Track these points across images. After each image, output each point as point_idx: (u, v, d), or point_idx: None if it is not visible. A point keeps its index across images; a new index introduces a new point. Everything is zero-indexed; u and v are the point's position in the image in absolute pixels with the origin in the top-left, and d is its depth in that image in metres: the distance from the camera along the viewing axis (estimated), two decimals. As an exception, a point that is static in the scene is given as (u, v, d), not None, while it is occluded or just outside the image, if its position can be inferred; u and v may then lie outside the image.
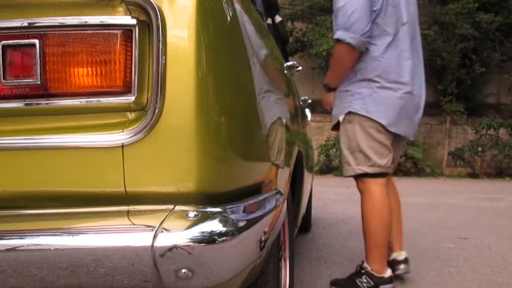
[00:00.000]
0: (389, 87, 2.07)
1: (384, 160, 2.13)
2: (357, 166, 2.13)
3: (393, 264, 2.27)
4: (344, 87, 2.17)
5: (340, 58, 2.08)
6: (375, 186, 2.13)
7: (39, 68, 0.77)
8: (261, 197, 0.98)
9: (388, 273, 2.16)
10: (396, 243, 2.31)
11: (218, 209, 0.77)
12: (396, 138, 2.19)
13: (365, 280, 2.15)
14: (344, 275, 2.31)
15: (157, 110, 0.76)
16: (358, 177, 2.17)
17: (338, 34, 2.02)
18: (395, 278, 2.24)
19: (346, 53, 2.04)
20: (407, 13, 2.13)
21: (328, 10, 13.83)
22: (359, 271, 2.20)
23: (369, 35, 2.02)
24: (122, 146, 0.77)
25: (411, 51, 2.13)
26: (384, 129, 2.10)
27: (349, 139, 2.15)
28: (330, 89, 2.25)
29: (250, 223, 0.82)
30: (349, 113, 2.13)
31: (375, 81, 2.07)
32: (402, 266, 2.27)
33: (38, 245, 0.72)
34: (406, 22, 2.11)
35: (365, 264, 2.19)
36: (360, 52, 2.04)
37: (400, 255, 2.28)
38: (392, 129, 2.10)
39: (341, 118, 2.16)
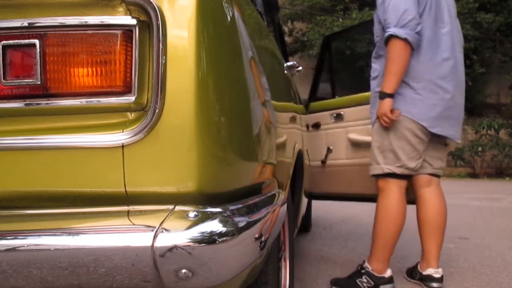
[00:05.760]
0: (430, 89, 2.07)
1: (413, 163, 2.12)
2: (385, 165, 2.13)
3: (426, 279, 2.21)
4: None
5: (397, 54, 2.00)
6: (395, 187, 2.13)
7: (39, 68, 0.77)
8: (261, 197, 0.98)
9: (388, 273, 2.16)
10: (433, 258, 2.23)
11: (218, 209, 0.77)
12: (433, 139, 2.17)
13: (365, 280, 2.15)
14: (344, 275, 2.31)
15: (157, 110, 0.76)
16: (382, 176, 2.16)
17: (393, 31, 1.99)
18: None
19: (402, 49, 1.99)
20: (449, 17, 2.13)
21: (328, 10, 13.84)
22: (359, 271, 2.20)
23: (420, 33, 2.01)
24: (122, 146, 0.77)
25: (451, 55, 2.12)
26: (421, 132, 2.09)
27: (381, 137, 2.14)
28: (387, 96, 2.04)
29: (250, 223, 0.82)
30: None
31: (416, 82, 2.06)
32: (435, 285, 2.19)
33: (38, 245, 0.72)
34: (447, 25, 2.11)
35: (366, 264, 2.19)
36: (413, 50, 2.01)
37: (437, 272, 2.21)
38: (435, 130, 2.10)
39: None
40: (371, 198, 2.43)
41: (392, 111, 2.05)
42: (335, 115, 2.94)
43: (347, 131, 2.84)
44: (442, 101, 2.09)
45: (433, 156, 2.24)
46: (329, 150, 2.97)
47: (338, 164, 2.93)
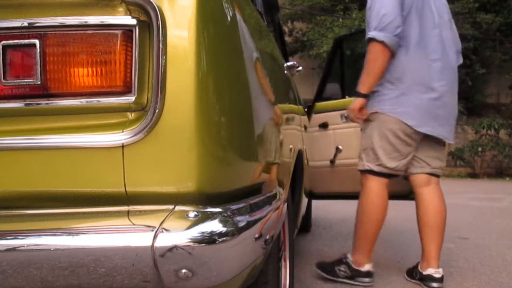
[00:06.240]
0: (416, 89, 2.10)
1: (393, 163, 2.17)
2: (366, 162, 2.22)
3: (426, 279, 2.21)
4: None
5: (374, 57, 2.08)
6: (375, 183, 2.20)
7: (39, 68, 0.77)
8: (261, 197, 0.98)
9: (366, 267, 2.22)
10: (433, 258, 2.23)
11: (218, 209, 0.77)
12: (429, 140, 2.20)
13: (343, 269, 2.26)
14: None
15: (157, 110, 0.76)
16: (363, 173, 2.25)
17: (372, 34, 2.06)
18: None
19: (380, 51, 2.05)
20: (439, 19, 2.16)
21: (328, 10, 13.84)
22: (342, 259, 2.30)
23: (401, 36, 2.06)
24: (122, 146, 0.77)
25: (441, 56, 2.15)
26: (403, 133, 2.12)
27: (366, 136, 2.23)
28: (361, 95, 2.16)
29: (250, 223, 0.82)
30: (373, 112, 2.18)
31: (401, 82, 2.11)
32: (435, 285, 2.19)
33: (38, 245, 0.72)
34: (436, 27, 2.15)
35: (349, 254, 2.28)
36: (392, 52, 2.06)
37: (437, 272, 2.20)
38: (422, 130, 2.13)
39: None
40: (391, 196, 2.49)
41: (361, 110, 2.16)
42: (346, 115, 2.96)
43: (358, 131, 2.87)
44: (429, 101, 2.12)
45: (431, 156, 2.26)
46: (338, 150, 2.98)
47: (349, 163, 2.95)
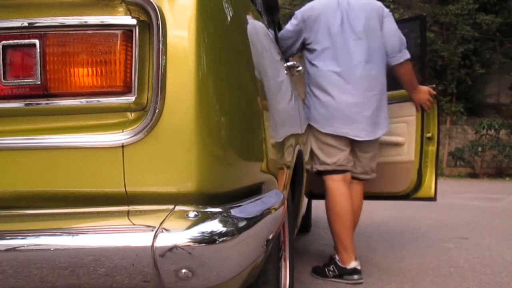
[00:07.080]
0: (319, 95, 2.34)
1: (332, 158, 2.36)
2: (314, 165, 2.44)
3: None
4: None
5: None
6: (330, 182, 2.38)
7: (39, 68, 0.77)
8: (261, 197, 0.98)
9: (351, 265, 2.31)
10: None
11: (218, 209, 0.77)
12: (355, 142, 2.36)
13: (331, 269, 2.36)
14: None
15: (157, 110, 0.76)
16: (319, 176, 2.43)
17: None
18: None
19: None
20: (341, 26, 2.32)
21: (328, 10, 13.83)
22: (331, 260, 2.40)
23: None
24: (122, 146, 0.77)
25: (340, 63, 2.31)
26: (321, 132, 2.34)
27: (309, 143, 2.43)
28: None
29: (250, 223, 0.82)
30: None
31: (311, 91, 2.39)
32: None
33: (38, 245, 0.72)
34: (337, 34, 2.31)
35: (336, 254, 2.38)
36: None
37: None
38: (325, 130, 2.34)
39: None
40: (392, 196, 2.69)
41: None
42: None
43: None
44: (328, 104, 2.31)
45: (361, 158, 2.46)
46: None
47: None
